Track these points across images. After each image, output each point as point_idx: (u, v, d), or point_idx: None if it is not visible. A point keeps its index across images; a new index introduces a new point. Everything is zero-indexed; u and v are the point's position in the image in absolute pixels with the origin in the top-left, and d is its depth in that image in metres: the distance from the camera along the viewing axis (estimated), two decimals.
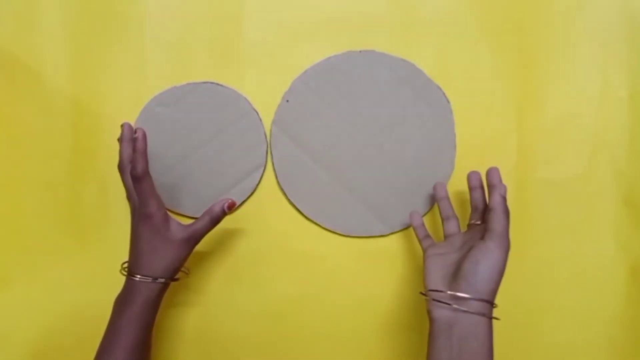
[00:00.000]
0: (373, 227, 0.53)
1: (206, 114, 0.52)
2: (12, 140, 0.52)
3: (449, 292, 0.40)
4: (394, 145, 0.52)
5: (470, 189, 0.48)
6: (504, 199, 0.42)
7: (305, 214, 0.52)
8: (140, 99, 0.52)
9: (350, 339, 0.53)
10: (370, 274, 0.53)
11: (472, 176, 0.48)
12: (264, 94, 0.52)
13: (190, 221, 0.46)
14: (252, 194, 0.53)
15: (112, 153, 0.50)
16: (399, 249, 0.53)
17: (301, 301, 0.53)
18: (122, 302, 0.43)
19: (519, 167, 0.52)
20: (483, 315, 0.38)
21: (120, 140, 0.49)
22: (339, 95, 0.52)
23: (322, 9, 0.52)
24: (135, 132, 0.44)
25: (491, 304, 0.39)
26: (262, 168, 0.52)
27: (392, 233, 0.53)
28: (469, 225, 0.47)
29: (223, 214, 0.46)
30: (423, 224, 0.50)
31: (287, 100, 0.52)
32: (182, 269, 0.46)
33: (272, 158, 0.52)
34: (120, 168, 0.48)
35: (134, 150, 0.43)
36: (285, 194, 0.53)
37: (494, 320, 0.39)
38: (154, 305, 0.43)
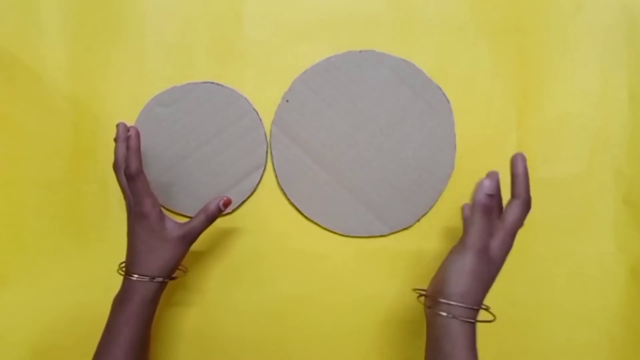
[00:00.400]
0: (373, 227, 0.53)
1: (206, 114, 0.52)
2: (12, 140, 0.52)
3: (423, 294, 0.40)
4: (394, 145, 0.52)
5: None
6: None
7: (305, 214, 0.52)
8: (140, 98, 0.52)
9: (350, 339, 0.53)
10: (370, 274, 0.53)
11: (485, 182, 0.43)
12: (264, 94, 0.52)
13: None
14: (252, 194, 0.53)
15: (112, 153, 0.50)
16: (399, 249, 0.53)
17: (301, 301, 0.53)
18: (120, 302, 0.43)
19: None
20: (454, 317, 0.38)
21: (115, 139, 0.49)
22: (339, 95, 0.52)
23: (322, 9, 0.52)
24: (129, 131, 0.44)
25: (463, 306, 0.38)
26: (262, 168, 0.52)
27: (392, 233, 0.53)
28: None
29: (219, 211, 0.46)
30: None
31: (287, 100, 0.52)
32: (180, 267, 0.46)
33: (272, 158, 0.52)
34: (115, 167, 0.48)
35: (127, 148, 0.43)
36: (285, 194, 0.53)
37: (493, 321, 0.39)
38: (152, 304, 0.43)
